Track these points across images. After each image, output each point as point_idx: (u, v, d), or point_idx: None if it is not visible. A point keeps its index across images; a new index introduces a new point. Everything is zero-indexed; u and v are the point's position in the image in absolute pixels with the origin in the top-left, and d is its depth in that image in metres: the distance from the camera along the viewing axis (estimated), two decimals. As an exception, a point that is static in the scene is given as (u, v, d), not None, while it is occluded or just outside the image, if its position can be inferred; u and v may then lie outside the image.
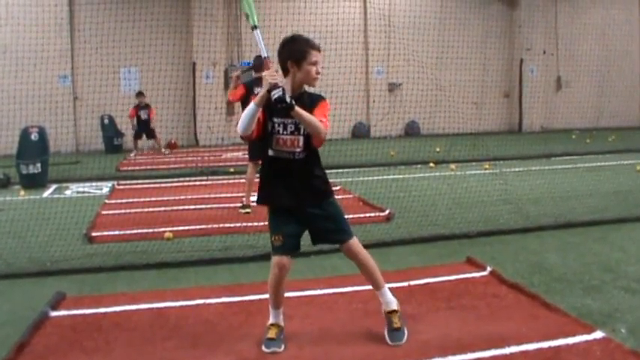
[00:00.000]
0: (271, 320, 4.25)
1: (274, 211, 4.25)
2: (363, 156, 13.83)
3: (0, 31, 19.10)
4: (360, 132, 22.72)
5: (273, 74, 3.92)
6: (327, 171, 4.34)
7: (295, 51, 4.08)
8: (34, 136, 12.66)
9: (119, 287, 5.69)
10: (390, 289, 4.37)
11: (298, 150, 4.11)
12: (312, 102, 4.09)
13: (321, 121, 3.99)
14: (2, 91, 18.38)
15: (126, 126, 19.36)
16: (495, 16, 24.51)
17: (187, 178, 12.97)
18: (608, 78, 25.29)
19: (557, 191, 10.09)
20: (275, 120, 4.08)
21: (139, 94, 18.51)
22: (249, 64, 21.05)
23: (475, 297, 5.07)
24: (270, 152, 4.15)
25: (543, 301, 4.85)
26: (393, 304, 4.31)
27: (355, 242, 4.26)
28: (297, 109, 3.90)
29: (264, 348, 4.10)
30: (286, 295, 4.37)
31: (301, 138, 4.10)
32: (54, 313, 4.90)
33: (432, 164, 13.89)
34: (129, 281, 5.88)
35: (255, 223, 8.07)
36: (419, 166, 13.97)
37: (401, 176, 12.37)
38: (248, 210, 8.84)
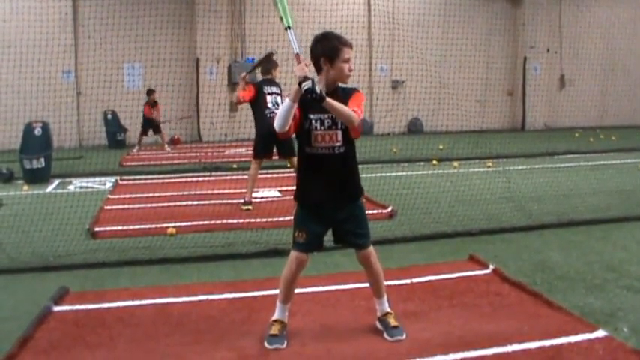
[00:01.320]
0: (275, 316, 4.26)
1: (304, 207, 4.23)
2: (365, 153, 13.80)
3: (4, 27, 19.15)
4: (363, 129, 22.49)
5: (302, 67, 3.90)
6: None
7: (328, 49, 4.07)
8: (37, 131, 12.66)
9: (122, 282, 5.70)
10: (393, 286, 4.39)
11: (338, 145, 4.10)
12: (345, 94, 4.09)
13: (354, 110, 3.98)
14: (6, 86, 18.44)
15: (130, 121, 19.38)
16: (499, 14, 24.48)
17: (190, 174, 12.97)
18: (612, 76, 25.26)
19: (560, 189, 10.09)
20: (311, 116, 4.07)
21: (150, 91, 18.51)
22: (252, 60, 21.11)
23: (477, 295, 5.07)
24: (308, 150, 4.13)
25: (545, 299, 4.85)
26: (388, 308, 4.36)
27: (373, 250, 4.28)
28: (329, 99, 3.87)
29: (266, 344, 4.11)
30: (295, 290, 4.36)
31: (339, 132, 4.09)
32: (57, 308, 4.91)
33: (434, 162, 13.88)
34: (132, 276, 5.89)
35: (259, 220, 8.09)
36: (422, 163, 13.96)
37: (404, 173, 12.38)
38: (249, 207, 8.86)
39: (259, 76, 9.40)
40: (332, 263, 6.01)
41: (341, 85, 4.17)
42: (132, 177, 12.77)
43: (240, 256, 6.47)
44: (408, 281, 5.40)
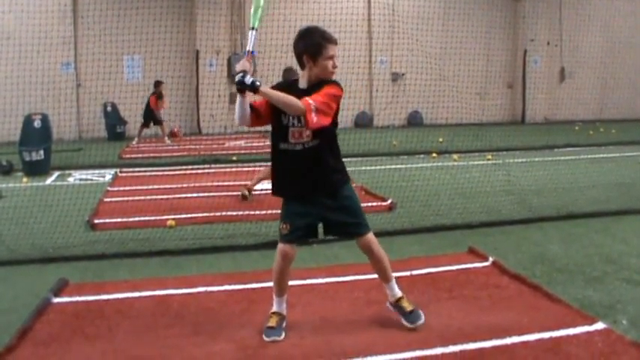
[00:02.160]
0: (274, 308, 4.26)
1: (287, 200, 4.23)
2: (365, 145, 13.81)
3: (3, 18, 19.09)
4: (363, 121, 22.71)
5: (243, 63, 3.88)
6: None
7: (311, 45, 4.02)
8: (36, 123, 12.64)
9: (121, 274, 5.71)
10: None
11: (307, 139, 4.07)
12: (320, 86, 4.04)
13: (304, 99, 3.88)
14: (5, 78, 18.38)
15: (129, 113, 19.34)
16: (499, 6, 24.41)
17: (190, 166, 12.97)
18: (612, 69, 25.19)
19: (559, 182, 10.07)
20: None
21: (158, 83, 18.31)
22: (253, 53, 21.01)
23: (477, 287, 5.07)
24: (283, 146, 4.11)
25: (545, 291, 4.86)
26: (399, 292, 4.33)
27: (372, 236, 4.25)
28: (263, 88, 3.83)
29: (264, 337, 4.11)
30: (288, 283, 4.36)
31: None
32: (56, 300, 4.91)
33: (434, 154, 13.87)
34: (131, 268, 5.89)
35: (258, 212, 8.08)
36: (421, 156, 13.95)
37: (403, 166, 12.37)
38: (246, 194, 8.85)
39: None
40: (331, 255, 6.01)
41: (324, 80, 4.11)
42: (131, 169, 12.77)
43: (239, 248, 6.47)
44: (407, 273, 5.40)
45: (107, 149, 15.17)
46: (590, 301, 4.74)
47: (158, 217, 7.79)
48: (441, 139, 16.32)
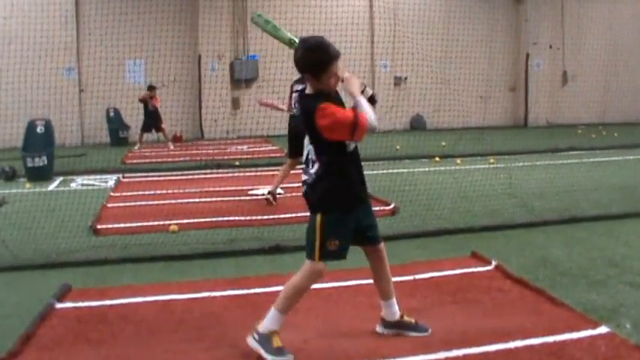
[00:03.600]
0: (275, 327, 3.92)
1: (345, 211, 4.05)
2: (368, 149, 13.77)
3: (6, 24, 19.13)
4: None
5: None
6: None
7: (313, 64, 3.75)
8: (39, 129, 12.66)
9: (124, 279, 5.71)
10: (396, 282, 4.37)
11: None
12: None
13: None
14: (8, 84, 18.41)
15: (129, 118, 19.32)
16: (501, 9, 24.42)
17: (192, 171, 12.98)
18: (614, 73, 25.14)
19: (562, 186, 10.07)
20: None
21: (152, 87, 18.05)
22: (255, 57, 21.11)
23: (480, 291, 5.07)
24: (351, 146, 4.02)
25: (548, 295, 4.85)
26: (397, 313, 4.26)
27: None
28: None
29: (276, 358, 3.85)
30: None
31: None
32: (60, 305, 4.91)
33: (437, 158, 13.87)
34: (134, 273, 5.90)
35: (261, 217, 8.10)
36: (424, 160, 13.95)
37: (406, 170, 12.35)
38: (270, 198, 8.81)
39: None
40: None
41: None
42: (134, 174, 12.77)
43: (242, 253, 6.47)
44: (410, 278, 5.40)
45: (110, 154, 15.19)
46: (594, 304, 4.73)
47: (161, 222, 7.79)
48: (443, 143, 16.31)
